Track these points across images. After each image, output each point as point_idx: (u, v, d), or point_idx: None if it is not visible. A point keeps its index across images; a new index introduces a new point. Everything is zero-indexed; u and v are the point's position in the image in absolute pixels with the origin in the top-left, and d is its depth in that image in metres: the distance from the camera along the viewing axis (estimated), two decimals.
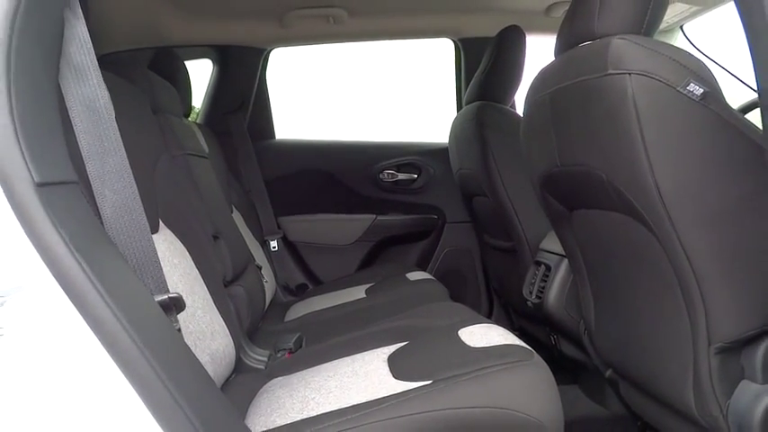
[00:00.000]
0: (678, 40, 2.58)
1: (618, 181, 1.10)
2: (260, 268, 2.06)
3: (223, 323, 1.35)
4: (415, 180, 2.76)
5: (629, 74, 1.02)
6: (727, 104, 1.02)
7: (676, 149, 1.02)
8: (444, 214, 2.76)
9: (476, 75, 2.30)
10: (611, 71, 1.05)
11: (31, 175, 0.70)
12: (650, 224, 1.07)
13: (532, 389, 0.99)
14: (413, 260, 2.73)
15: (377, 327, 1.51)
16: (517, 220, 2.06)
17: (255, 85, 2.69)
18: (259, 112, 2.76)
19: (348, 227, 2.73)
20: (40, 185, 0.70)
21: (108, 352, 0.69)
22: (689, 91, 0.99)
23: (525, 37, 2.22)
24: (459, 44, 2.75)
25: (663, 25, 2.49)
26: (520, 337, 1.20)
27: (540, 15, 2.46)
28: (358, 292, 2.11)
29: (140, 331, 0.72)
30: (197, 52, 2.61)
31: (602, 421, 1.70)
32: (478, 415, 0.95)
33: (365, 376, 1.14)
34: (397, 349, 1.25)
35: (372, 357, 1.25)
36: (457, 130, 2.37)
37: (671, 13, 2.37)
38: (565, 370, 1.93)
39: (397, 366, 1.14)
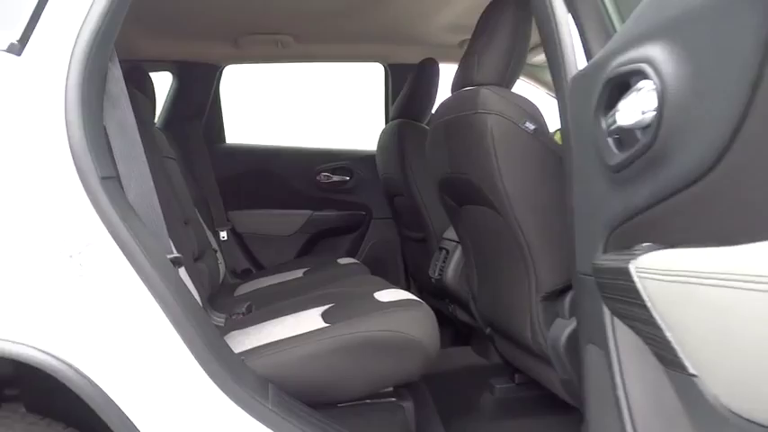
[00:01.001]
0: None
1: (482, 185, 1.51)
2: (215, 251, 2.38)
3: (195, 289, 1.69)
4: (347, 182, 3.03)
5: (489, 113, 1.43)
6: (551, 136, 1.49)
7: (517, 166, 1.44)
8: (371, 211, 3.03)
9: (398, 97, 2.62)
10: (479, 110, 1.45)
11: (97, 171, 1.07)
12: (501, 214, 1.49)
13: (417, 321, 1.38)
14: (343, 250, 2.99)
15: (313, 294, 1.82)
16: (427, 216, 2.39)
17: (210, 97, 2.92)
18: (213, 119, 2.99)
19: (288, 220, 3.00)
20: (102, 179, 1.08)
21: (146, 286, 1.08)
22: (526, 127, 1.42)
23: (439, 67, 2.56)
24: (388, 68, 3.05)
25: None
26: None
27: (454, 48, 2.79)
28: (296, 274, 2.39)
29: (165, 275, 1.11)
30: (158, 66, 2.81)
31: (485, 369, 2.09)
32: (378, 336, 1.34)
33: (305, 324, 1.49)
34: (328, 307, 1.60)
35: (310, 314, 1.58)
36: (383, 141, 2.69)
37: None
38: (461, 334, 2.30)
39: (329, 317, 1.50)
